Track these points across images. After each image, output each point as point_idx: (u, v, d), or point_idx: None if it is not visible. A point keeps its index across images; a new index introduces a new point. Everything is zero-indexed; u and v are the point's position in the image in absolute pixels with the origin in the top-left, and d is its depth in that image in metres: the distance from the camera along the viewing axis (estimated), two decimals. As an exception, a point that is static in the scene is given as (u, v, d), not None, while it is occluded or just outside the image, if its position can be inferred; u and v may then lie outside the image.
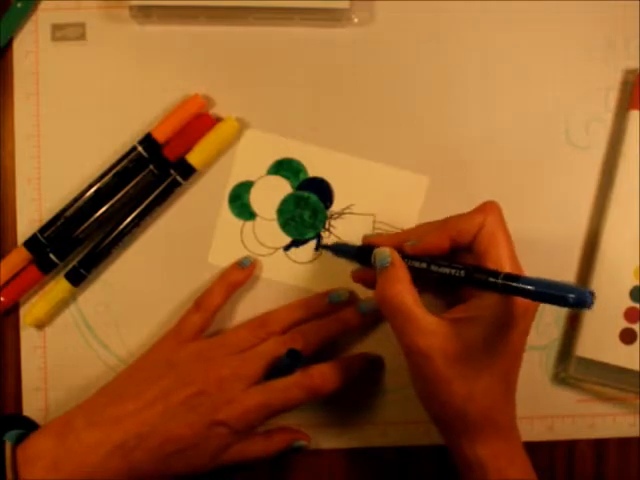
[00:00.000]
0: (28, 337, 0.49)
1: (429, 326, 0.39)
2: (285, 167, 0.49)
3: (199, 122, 0.48)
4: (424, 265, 0.41)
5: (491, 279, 0.37)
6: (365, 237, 0.48)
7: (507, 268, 0.39)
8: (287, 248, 0.49)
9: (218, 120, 0.49)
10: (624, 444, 0.50)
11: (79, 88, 0.49)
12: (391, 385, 0.49)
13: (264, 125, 0.49)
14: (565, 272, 0.49)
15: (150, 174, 0.48)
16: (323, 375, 0.44)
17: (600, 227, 0.48)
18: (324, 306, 0.48)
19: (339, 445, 0.49)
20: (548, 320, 0.50)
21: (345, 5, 0.48)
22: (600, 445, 0.50)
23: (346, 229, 0.49)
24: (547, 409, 0.49)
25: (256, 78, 0.49)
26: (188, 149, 0.48)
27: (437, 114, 0.50)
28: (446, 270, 0.40)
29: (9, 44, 0.49)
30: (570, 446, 0.50)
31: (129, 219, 0.48)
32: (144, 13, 0.48)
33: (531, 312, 0.40)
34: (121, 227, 0.48)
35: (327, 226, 0.49)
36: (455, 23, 0.50)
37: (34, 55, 0.49)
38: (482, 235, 0.40)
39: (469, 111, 0.50)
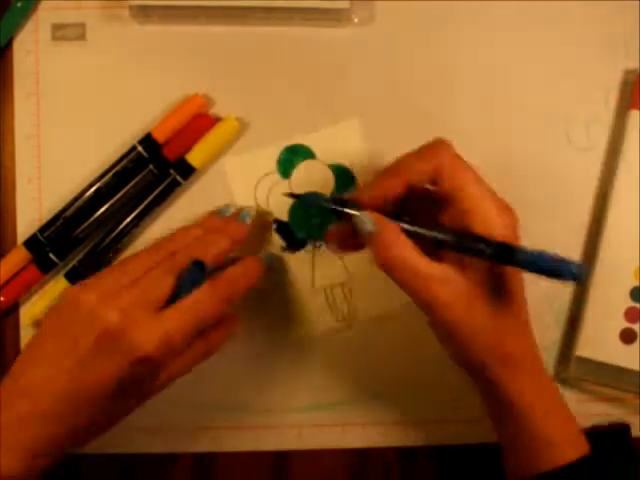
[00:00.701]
0: (28, 337, 0.49)
1: (441, 274, 0.38)
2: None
3: (199, 122, 0.48)
4: (410, 228, 0.39)
5: (481, 246, 0.37)
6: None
7: (487, 203, 0.39)
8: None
9: (218, 120, 0.49)
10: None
11: (79, 88, 0.49)
12: (391, 385, 0.49)
13: (264, 125, 0.49)
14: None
15: (150, 174, 0.48)
16: (230, 279, 0.42)
17: (600, 227, 0.48)
18: (216, 221, 0.46)
19: (339, 445, 0.49)
20: (548, 320, 0.50)
21: (345, 5, 0.48)
22: (600, 445, 0.50)
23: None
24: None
25: (256, 78, 0.50)
26: (188, 149, 0.48)
27: (437, 114, 0.50)
28: (434, 233, 0.39)
29: (9, 44, 0.50)
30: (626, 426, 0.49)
31: (129, 219, 0.48)
32: (144, 13, 0.48)
33: (514, 223, 0.40)
34: (121, 227, 0.48)
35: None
36: (455, 23, 0.50)
37: (34, 55, 0.49)
38: (445, 176, 0.39)
39: (469, 111, 0.50)
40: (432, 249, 0.39)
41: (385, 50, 0.50)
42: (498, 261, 0.37)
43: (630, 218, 0.48)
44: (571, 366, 0.48)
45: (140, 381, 0.39)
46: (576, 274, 0.35)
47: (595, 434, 0.42)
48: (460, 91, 0.50)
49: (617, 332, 0.47)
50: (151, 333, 0.39)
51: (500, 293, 0.39)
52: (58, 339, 0.39)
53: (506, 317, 0.39)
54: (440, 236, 0.38)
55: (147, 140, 0.48)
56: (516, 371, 0.39)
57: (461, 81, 0.50)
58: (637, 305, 0.47)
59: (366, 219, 0.39)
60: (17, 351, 0.49)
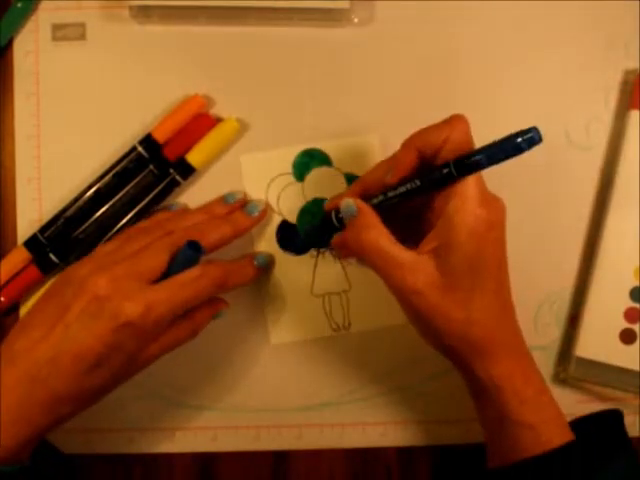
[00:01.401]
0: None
1: (412, 263, 0.39)
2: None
3: (199, 122, 0.48)
4: (382, 197, 0.41)
5: (445, 170, 0.38)
6: (327, 204, 0.47)
7: (472, 189, 0.39)
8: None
9: (218, 120, 0.49)
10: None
11: (79, 88, 0.49)
12: (391, 385, 0.49)
13: (264, 125, 0.49)
14: (565, 272, 0.49)
15: (150, 174, 0.48)
16: (224, 268, 0.43)
17: (600, 227, 0.48)
18: (220, 208, 0.47)
19: (339, 445, 0.49)
20: (548, 320, 0.50)
21: (345, 5, 0.48)
22: (600, 445, 0.50)
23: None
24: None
25: (256, 78, 0.50)
26: (188, 149, 0.48)
27: (437, 114, 0.49)
28: (402, 188, 0.40)
29: (9, 44, 0.50)
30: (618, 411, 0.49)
31: (128, 217, 0.48)
32: (144, 13, 0.48)
33: (499, 221, 0.40)
34: (120, 225, 0.48)
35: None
36: (455, 23, 0.50)
37: (34, 55, 0.49)
38: (446, 149, 0.39)
39: (470, 111, 0.49)
40: (412, 239, 0.41)
41: (385, 50, 0.50)
42: (462, 173, 0.38)
43: (630, 218, 0.48)
44: (571, 366, 0.48)
45: (122, 350, 0.39)
46: (533, 137, 0.37)
47: (585, 419, 0.42)
48: (460, 91, 0.50)
49: (617, 332, 0.47)
50: (137, 302, 0.39)
51: (477, 269, 0.39)
52: (50, 306, 0.40)
53: (477, 305, 0.39)
54: (409, 186, 0.40)
55: (147, 140, 0.48)
56: (489, 357, 0.39)
57: (461, 81, 0.50)
58: (637, 305, 0.47)
59: (349, 202, 0.41)
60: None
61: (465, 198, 0.38)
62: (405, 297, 0.40)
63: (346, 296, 0.49)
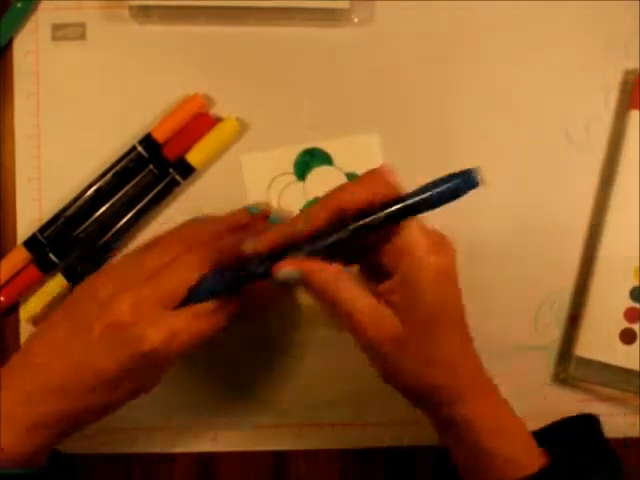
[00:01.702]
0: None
1: (374, 314, 0.37)
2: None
3: (199, 122, 0.48)
4: (309, 249, 0.37)
5: (379, 215, 0.36)
6: (244, 247, 0.40)
7: (420, 240, 0.37)
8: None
9: (218, 120, 0.49)
10: (624, 444, 0.50)
11: (79, 88, 0.49)
12: (390, 386, 0.49)
13: (264, 125, 0.49)
14: (565, 272, 0.49)
15: (150, 174, 0.48)
16: (247, 297, 0.41)
17: (600, 227, 0.48)
18: (243, 218, 0.46)
19: (339, 445, 0.49)
20: (548, 320, 0.50)
21: (345, 5, 0.48)
22: (600, 445, 0.50)
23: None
24: (547, 409, 0.49)
25: (256, 78, 0.50)
26: (188, 149, 0.48)
27: (437, 113, 0.50)
28: (333, 237, 0.37)
29: (9, 44, 0.49)
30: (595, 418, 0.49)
31: (128, 217, 0.48)
32: (144, 13, 0.48)
33: (451, 263, 0.38)
34: (120, 224, 0.48)
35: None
36: (455, 23, 0.50)
37: (34, 55, 0.49)
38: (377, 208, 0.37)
39: (469, 111, 0.50)
40: (369, 271, 0.39)
41: (385, 50, 0.50)
42: (399, 219, 0.36)
43: (630, 218, 0.48)
44: (571, 366, 0.48)
45: (141, 374, 0.40)
46: (473, 179, 0.35)
47: (559, 429, 0.42)
48: (460, 91, 0.50)
49: (617, 332, 0.47)
50: (160, 329, 0.38)
51: (435, 330, 0.38)
52: (72, 322, 0.40)
53: (441, 353, 0.38)
54: (340, 235, 0.37)
55: (147, 140, 0.48)
56: (458, 399, 0.39)
57: (461, 81, 0.50)
58: (637, 305, 0.47)
59: (289, 271, 0.37)
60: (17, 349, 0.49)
61: (413, 250, 0.37)
62: (368, 348, 0.38)
63: None
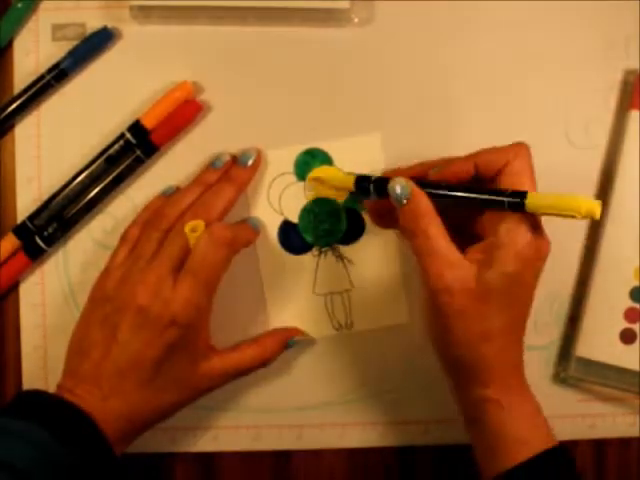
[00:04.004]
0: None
1: (455, 262, 0.39)
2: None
3: (186, 108, 0.48)
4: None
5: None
6: (385, 172, 0.47)
7: (519, 225, 0.40)
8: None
9: (207, 107, 0.49)
10: (624, 444, 0.50)
11: (79, 88, 0.49)
12: (391, 385, 0.49)
13: (265, 124, 0.49)
14: (565, 272, 0.49)
15: (137, 160, 0.48)
16: (227, 225, 0.45)
17: (600, 227, 0.48)
18: (212, 175, 0.47)
19: (339, 445, 0.50)
20: (548, 320, 0.50)
21: (345, 5, 0.48)
22: (600, 445, 0.50)
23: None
24: (547, 409, 0.49)
25: (256, 78, 0.50)
26: (174, 134, 0.48)
27: (437, 114, 0.50)
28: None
29: (9, 44, 0.49)
30: (570, 446, 0.50)
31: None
32: (144, 13, 0.48)
33: (544, 253, 0.40)
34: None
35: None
36: (455, 23, 0.50)
37: (34, 55, 0.49)
38: (506, 173, 0.40)
39: (469, 111, 0.50)
40: (465, 243, 0.40)
41: (385, 50, 0.50)
42: (515, 208, 0.39)
43: (630, 218, 0.48)
44: (571, 366, 0.48)
45: (175, 348, 0.42)
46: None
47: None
48: (460, 91, 0.50)
49: (617, 332, 0.47)
50: (175, 300, 0.41)
51: (512, 294, 0.39)
52: (96, 329, 0.43)
53: (499, 324, 0.39)
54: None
55: (135, 127, 0.48)
56: (491, 376, 0.40)
57: (461, 81, 0.50)
58: (637, 305, 0.47)
59: (401, 183, 0.40)
60: (17, 331, 0.49)
61: (520, 222, 0.39)
62: (436, 292, 0.39)
63: (348, 295, 0.49)
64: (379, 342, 0.49)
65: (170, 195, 0.48)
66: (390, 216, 0.43)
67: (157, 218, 0.46)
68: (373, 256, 0.49)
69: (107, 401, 0.41)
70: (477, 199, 0.40)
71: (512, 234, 0.39)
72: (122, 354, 0.41)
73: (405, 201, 0.40)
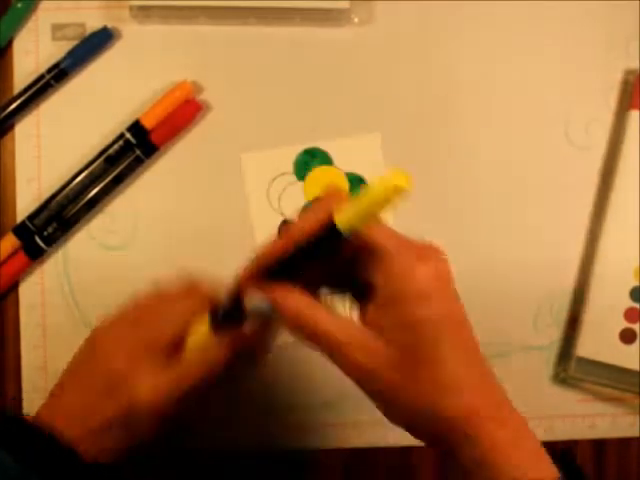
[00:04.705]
0: (28, 335, 0.49)
1: (359, 340, 0.33)
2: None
3: (185, 108, 0.48)
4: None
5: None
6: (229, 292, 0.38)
7: (404, 255, 0.33)
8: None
9: (206, 107, 0.49)
10: (624, 444, 0.50)
11: (79, 88, 0.49)
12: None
13: (265, 124, 0.49)
14: (565, 272, 0.49)
15: (137, 159, 0.48)
16: (243, 335, 0.38)
17: (600, 227, 0.48)
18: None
19: (339, 445, 0.50)
20: (548, 320, 0.50)
21: (345, 5, 0.48)
22: (600, 445, 0.50)
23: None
24: (547, 409, 0.49)
25: (256, 78, 0.50)
26: (174, 134, 0.48)
27: (437, 114, 0.50)
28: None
29: (9, 44, 0.49)
30: (570, 446, 0.50)
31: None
32: (144, 13, 0.48)
33: (446, 272, 0.33)
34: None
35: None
36: (455, 23, 0.50)
37: (34, 55, 0.49)
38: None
39: (470, 111, 0.50)
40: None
41: (385, 50, 0.50)
42: (334, 239, 0.32)
43: (630, 218, 0.48)
44: (571, 366, 0.48)
45: (141, 421, 0.39)
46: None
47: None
48: (460, 91, 0.50)
49: (617, 332, 0.47)
50: (152, 384, 0.38)
51: (436, 351, 0.32)
52: (81, 374, 0.41)
53: (449, 373, 0.33)
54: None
55: (135, 127, 0.48)
56: (474, 430, 0.33)
57: (461, 81, 0.50)
58: (637, 305, 0.47)
59: (257, 300, 0.34)
60: (17, 331, 0.49)
61: (392, 261, 0.32)
62: (360, 379, 0.34)
63: (350, 295, 0.49)
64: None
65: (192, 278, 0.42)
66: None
67: (172, 290, 0.41)
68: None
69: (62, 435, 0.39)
70: (303, 253, 0.32)
71: (398, 279, 0.32)
72: (95, 404, 0.39)
73: (271, 314, 0.34)
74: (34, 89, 0.49)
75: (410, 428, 0.35)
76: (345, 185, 0.49)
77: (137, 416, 0.39)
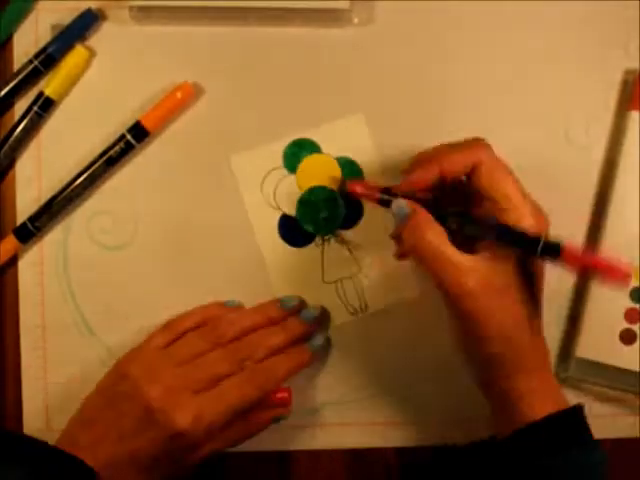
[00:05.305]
0: (28, 335, 0.49)
1: (467, 264, 0.39)
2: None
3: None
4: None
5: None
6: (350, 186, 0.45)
7: (522, 207, 0.40)
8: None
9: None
10: (624, 444, 0.50)
11: (79, 88, 0.49)
12: (391, 385, 0.49)
13: (265, 124, 0.49)
14: (565, 271, 0.49)
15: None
16: (271, 369, 0.45)
17: (600, 227, 0.48)
18: (275, 311, 0.48)
19: (339, 445, 0.50)
20: (548, 320, 0.49)
21: (345, 5, 0.48)
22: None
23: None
24: (547, 409, 0.49)
25: (256, 79, 0.49)
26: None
27: (437, 114, 0.50)
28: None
29: (9, 43, 0.49)
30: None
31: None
32: (144, 13, 0.48)
33: (547, 227, 0.41)
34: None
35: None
36: (455, 23, 0.50)
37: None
38: (482, 174, 0.40)
39: (469, 111, 0.50)
40: (466, 239, 0.41)
41: (385, 50, 0.50)
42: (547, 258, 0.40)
43: (630, 218, 0.48)
44: (571, 366, 0.48)
45: (173, 455, 0.42)
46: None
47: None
48: (460, 91, 0.50)
49: (617, 333, 0.47)
50: (186, 413, 0.41)
51: (527, 290, 0.40)
52: (107, 406, 0.43)
53: (530, 311, 0.40)
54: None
55: (136, 127, 0.48)
56: (524, 368, 0.40)
57: (461, 81, 0.50)
58: (637, 306, 0.47)
59: (400, 204, 0.41)
60: (17, 331, 0.49)
61: (518, 211, 0.40)
62: (459, 300, 0.39)
63: (358, 278, 0.49)
64: (380, 344, 0.49)
65: (230, 308, 0.48)
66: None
67: (209, 329, 0.46)
68: (376, 235, 0.49)
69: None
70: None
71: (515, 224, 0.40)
72: (121, 442, 0.41)
73: (405, 215, 0.41)
74: (21, 76, 0.48)
75: (477, 353, 0.41)
76: (337, 170, 0.49)
77: (177, 444, 0.41)
